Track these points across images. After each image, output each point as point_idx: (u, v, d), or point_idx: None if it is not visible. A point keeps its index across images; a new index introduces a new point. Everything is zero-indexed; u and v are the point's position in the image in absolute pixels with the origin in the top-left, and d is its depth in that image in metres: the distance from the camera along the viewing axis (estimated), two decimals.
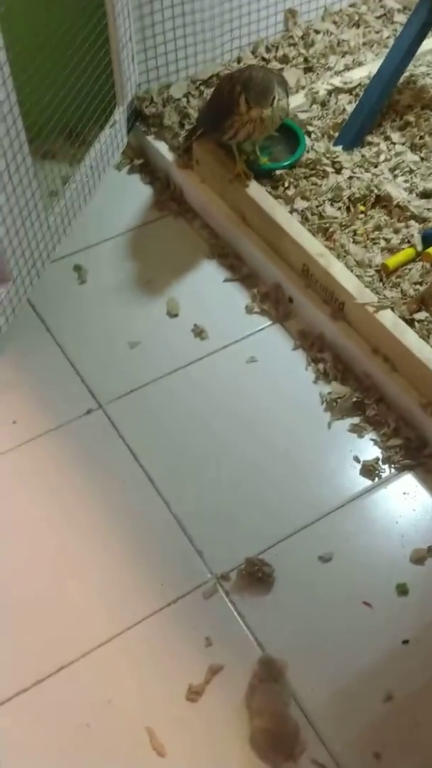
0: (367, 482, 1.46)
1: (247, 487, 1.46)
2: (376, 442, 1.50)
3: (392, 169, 1.77)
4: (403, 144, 1.82)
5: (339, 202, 1.71)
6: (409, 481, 1.47)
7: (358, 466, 1.47)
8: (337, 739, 1.18)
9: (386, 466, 1.47)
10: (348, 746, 1.18)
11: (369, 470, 1.46)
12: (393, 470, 1.47)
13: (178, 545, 1.38)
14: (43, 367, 1.62)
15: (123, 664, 1.25)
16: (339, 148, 1.78)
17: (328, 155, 1.77)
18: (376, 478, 1.45)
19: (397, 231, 1.66)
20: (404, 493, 1.45)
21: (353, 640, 1.28)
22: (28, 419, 1.54)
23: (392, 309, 1.52)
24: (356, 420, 1.54)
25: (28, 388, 1.59)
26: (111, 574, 1.35)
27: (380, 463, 1.47)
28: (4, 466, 1.48)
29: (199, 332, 1.66)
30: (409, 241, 1.64)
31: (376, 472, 1.46)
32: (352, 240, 1.65)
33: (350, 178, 1.74)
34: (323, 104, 1.90)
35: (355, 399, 1.55)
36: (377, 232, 1.66)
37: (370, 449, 1.50)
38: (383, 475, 1.46)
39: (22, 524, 1.41)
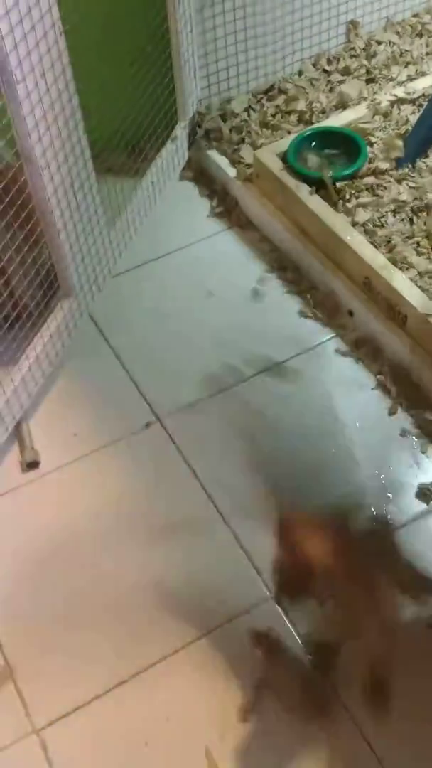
0: (429, 503, 1.41)
1: (309, 499, 1.43)
2: None
3: None
4: None
5: (401, 212, 1.68)
6: None
7: (416, 488, 1.43)
8: None
9: None
10: None
11: (425, 494, 1.42)
12: None
13: (236, 563, 1.36)
14: (103, 381, 1.62)
15: (181, 680, 1.24)
16: (405, 151, 1.75)
17: (390, 165, 1.74)
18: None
19: None
20: None
21: None
22: (88, 432, 1.55)
23: None
24: (421, 436, 1.49)
25: (88, 402, 1.60)
26: (173, 592, 1.33)
27: None
28: (63, 479, 1.49)
29: (257, 348, 1.65)
30: None
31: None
32: (415, 252, 1.61)
33: (412, 188, 1.71)
34: (386, 115, 1.88)
35: (418, 415, 1.51)
36: None
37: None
38: None
39: (80, 538, 1.41)
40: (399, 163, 1.76)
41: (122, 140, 1.72)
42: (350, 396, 1.57)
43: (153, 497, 1.45)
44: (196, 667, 1.25)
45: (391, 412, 1.53)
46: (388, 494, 1.43)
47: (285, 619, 1.29)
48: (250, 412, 1.56)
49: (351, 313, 1.65)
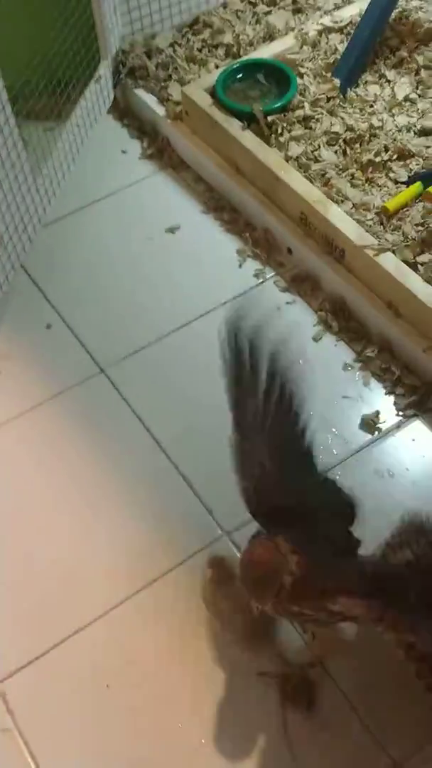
0: (374, 433, 1.44)
1: None
2: (381, 392, 1.48)
3: (389, 108, 1.72)
4: (399, 81, 1.76)
5: (335, 145, 1.67)
6: (417, 427, 1.45)
7: (360, 419, 1.45)
8: None
9: (391, 416, 1.45)
10: None
11: (369, 424, 1.45)
12: (401, 418, 1.45)
13: (187, 504, 1.37)
14: (41, 334, 1.60)
15: (138, 624, 1.26)
16: (337, 81, 1.73)
17: (321, 96, 1.72)
18: (376, 432, 1.44)
19: (396, 171, 1.62)
20: (413, 440, 1.43)
21: None
22: (29, 387, 1.53)
23: (394, 252, 1.49)
24: (361, 369, 1.52)
25: (28, 356, 1.57)
26: (121, 536, 1.34)
27: (380, 416, 1.45)
28: (9, 435, 1.47)
29: (196, 291, 1.63)
30: (408, 182, 1.59)
31: (376, 425, 1.44)
32: (349, 184, 1.61)
33: (345, 119, 1.70)
34: (314, 45, 1.84)
35: (359, 349, 1.53)
36: (375, 174, 1.61)
37: (376, 399, 1.48)
38: (385, 427, 1.44)
39: (30, 492, 1.40)
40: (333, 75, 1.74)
41: (42, 82, 1.65)
42: (293, 333, 1.57)
43: (100, 448, 1.45)
44: (152, 610, 1.27)
45: (334, 347, 1.55)
46: (333, 429, 1.45)
47: (238, 554, 1.32)
48: (195, 356, 1.56)
49: (290, 251, 1.65)
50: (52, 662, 1.22)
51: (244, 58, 1.81)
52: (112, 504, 1.38)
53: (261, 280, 1.65)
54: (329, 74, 1.77)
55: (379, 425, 1.45)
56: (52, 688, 1.20)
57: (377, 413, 1.46)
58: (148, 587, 1.29)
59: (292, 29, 1.89)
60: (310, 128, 1.69)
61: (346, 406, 1.48)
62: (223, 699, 1.18)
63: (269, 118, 1.69)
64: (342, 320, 1.57)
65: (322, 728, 1.15)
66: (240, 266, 1.67)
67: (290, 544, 1.01)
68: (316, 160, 1.64)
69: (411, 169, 1.62)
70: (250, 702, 1.18)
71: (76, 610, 1.27)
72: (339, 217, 1.54)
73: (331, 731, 1.15)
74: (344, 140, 1.67)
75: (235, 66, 1.78)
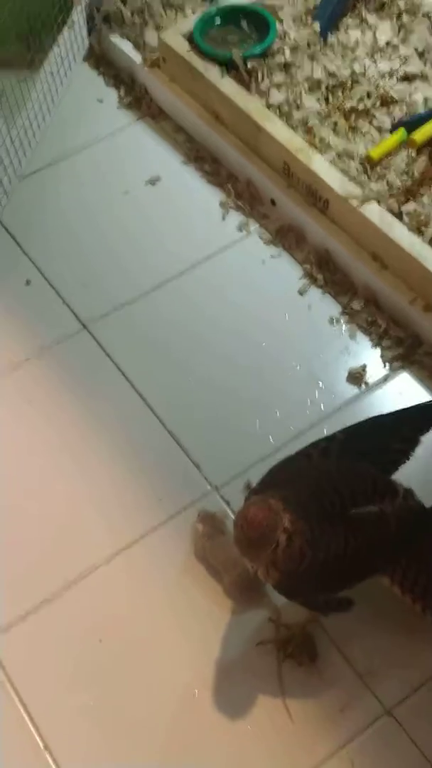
0: (360, 386, 1.45)
1: (241, 394, 1.45)
2: (367, 345, 1.48)
3: (370, 54, 1.69)
4: (381, 26, 1.73)
5: (317, 92, 1.64)
6: (404, 380, 1.46)
7: (347, 372, 1.46)
8: None
9: (378, 370, 1.45)
10: None
11: (356, 377, 1.45)
12: (388, 370, 1.46)
13: (175, 461, 1.37)
14: (21, 290, 1.57)
15: (129, 579, 1.27)
16: (317, 26, 1.69)
17: (301, 42, 1.68)
18: (363, 385, 1.44)
19: (379, 119, 1.59)
20: (400, 393, 1.44)
21: None
22: (10, 346, 1.50)
23: (378, 202, 1.47)
24: (347, 322, 1.51)
25: (7, 314, 1.55)
26: (110, 493, 1.35)
27: (367, 369, 1.45)
28: None
29: (179, 246, 1.61)
30: (392, 129, 1.57)
31: (363, 379, 1.45)
32: (333, 132, 1.58)
33: (327, 65, 1.66)
34: None
35: (345, 302, 1.52)
36: (359, 121, 1.59)
37: (362, 352, 1.48)
38: (371, 380, 1.45)
39: (16, 452, 1.40)
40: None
41: (13, 29, 1.60)
42: (278, 287, 1.57)
43: (85, 406, 1.44)
44: (141, 565, 1.28)
45: (320, 301, 1.54)
46: (320, 383, 1.46)
47: (228, 508, 1.33)
48: (180, 311, 1.55)
49: (273, 202, 1.63)
50: (44, 617, 1.23)
51: (222, 3, 1.76)
52: (99, 462, 1.38)
53: (245, 234, 1.63)
54: (309, 19, 1.72)
55: (365, 379, 1.45)
56: (44, 643, 1.21)
57: (364, 367, 1.46)
58: (138, 542, 1.30)
59: None
60: (291, 75, 1.66)
61: (333, 360, 1.48)
62: (216, 652, 1.20)
63: (249, 65, 1.65)
64: (327, 273, 1.56)
65: (316, 678, 1.17)
66: (223, 219, 1.65)
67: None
68: (298, 108, 1.61)
69: (394, 116, 1.60)
70: (245, 655, 1.20)
71: (67, 567, 1.27)
72: (322, 167, 1.52)
73: (324, 680, 1.17)
74: (326, 87, 1.64)
75: (213, 11, 1.73)
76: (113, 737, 1.14)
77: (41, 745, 1.13)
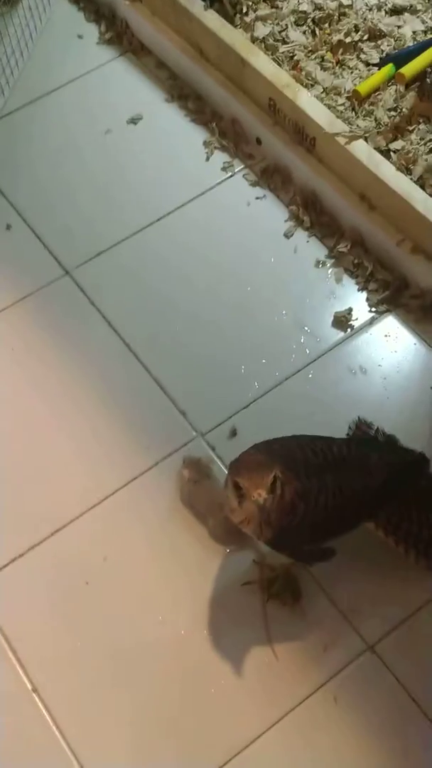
0: (346, 330, 1.44)
1: (226, 340, 1.44)
2: (354, 288, 1.47)
3: None
4: None
5: (303, 25, 1.59)
6: (390, 323, 1.45)
7: (333, 317, 1.44)
8: None
9: (363, 313, 1.44)
10: None
11: (341, 321, 1.44)
12: (374, 314, 1.45)
13: (161, 408, 1.37)
14: (2, 236, 1.54)
15: (115, 523, 1.28)
16: None
17: None
18: (349, 329, 1.43)
19: (367, 53, 1.55)
20: (386, 336, 1.43)
21: None
22: None
23: (366, 140, 1.44)
24: (334, 266, 1.50)
25: None
26: (94, 441, 1.35)
27: (352, 313, 1.44)
28: None
29: (163, 187, 1.58)
30: (380, 64, 1.53)
31: (349, 322, 1.44)
32: (319, 66, 1.54)
33: None
34: None
35: (331, 244, 1.50)
36: (346, 55, 1.54)
37: (348, 296, 1.47)
38: (357, 324, 1.44)
39: (3, 398, 1.39)
40: None
41: None
42: (263, 230, 1.54)
43: (68, 354, 1.43)
44: (127, 510, 1.29)
45: (306, 243, 1.52)
46: (305, 327, 1.45)
47: (213, 454, 1.33)
48: (163, 255, 1.52)
49: (259, 141, 1.59)
50: (30, 562, 1.24)
51: None
52: (82, 409, 1.38)
53: (229, 174, 1.59)
54: None
55: (351, 322, 1.44)
56: (31, 588, 1.23)
57: (350, 310, 1.45)
58: (124, 488, 1.30)
59: None
60: (277, 7, 1.60)
61: (318, 304, 1.47)
62: (202, 594, 1.22)
63: None
64: (314, 214, 1.53)
65: (300, 618, 1.19)
66: (207, 159, 1.61)
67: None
68: (284, 42, 1.57)
69: (382, 50, 1.56)
70: (230, 596, 1.22)
71: (52, 512, 1.28)
72: (309, 103, 1.48)
73: (308, 620, 1.19)
74: (313, 20, 1.59)
75: None
76: (100, 678, 1.17)
77: (29, 687, 1.16)
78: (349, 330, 1.44)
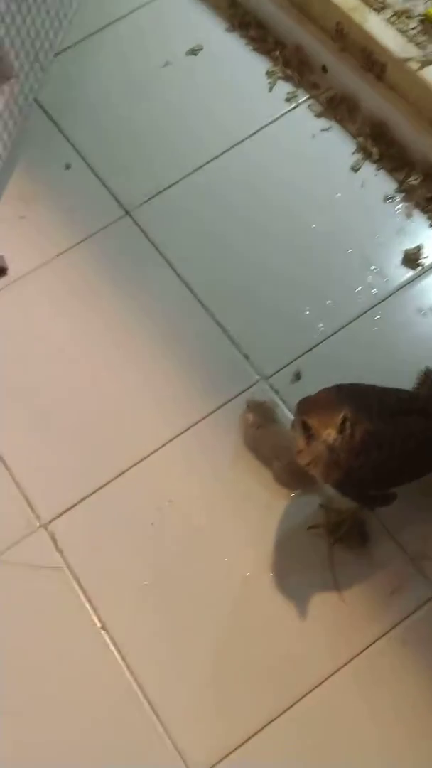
0: (416, 268, 1.39)
1: (290, 280, 1.41)
2: (425, 224, 1.42)
3: None
4: None
5: None
6: None
7: (403, 254, 1.39)
8: None
9: None
10: None
11: (412, 259, 1.39)
12: None
13: (223, 351, 1.36)
14: (60, 175, 1.53)
15: (180, 465, 1.28)
16: None
17: None
18: (419, 267, 1.38)
19: None
20: None
21: None
22: (53, 233, 1.48)
23: None
24: (403, 200, 1.44)
25: (48, 200, 1.51)
26: (158, 383, 1.35)
27: (423, 251, 1.39)
28: (34, 284, 1.44)
29: (224, 120, 1.53)
30: None
31: (419, 261, 1.39)
32: None
33: None
34: None
35: (401, 177, 1.44)
36: None
37: (419, 232, 1.41)
38: (428, 262, 1.39)
39: (63, 342, 1.39)
40: None
41: None
42: (329, 163, 1.49)
43: (130, 297, 1.42)
44: (192, 453, 1.29)
45: (374, 177, 1.46)
46: (373, 266, 1.40)
47: (277, 397, 1.32)
48: (226, 193, 1.49)
49: (325, 69, 1.53)
50: (97, 503, 1.26)
51: None
52: (146, 352, 1.37)
53: (293, 105, 1.54)
54: None
55: (421, 260, 1.39)
56: (98, 527, 1.25)
57: (420, 248, 1.40)
58: (188, 431, 1.30)
59: None
60: None
61: (387, 241, 1.42)
62: (268, 537, 1.22)
63: None
64: (383, 146, 1.47)
65: (367, 562, 1.19)
66: (270, 90, 1.55)
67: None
68: None
69: None
70: (296, 539, 1.22)
71: (119, 454, 1.29)
72: (378, 27, 1.41)
73: (375, 564, 1.19)
74: None
75: None
76: (168, 617, 1.19)
77: (98, 625, 1.19)
78: (419, 268, 1.39)
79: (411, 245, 1.41)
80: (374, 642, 1.15)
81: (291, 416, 1.29)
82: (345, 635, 1.15)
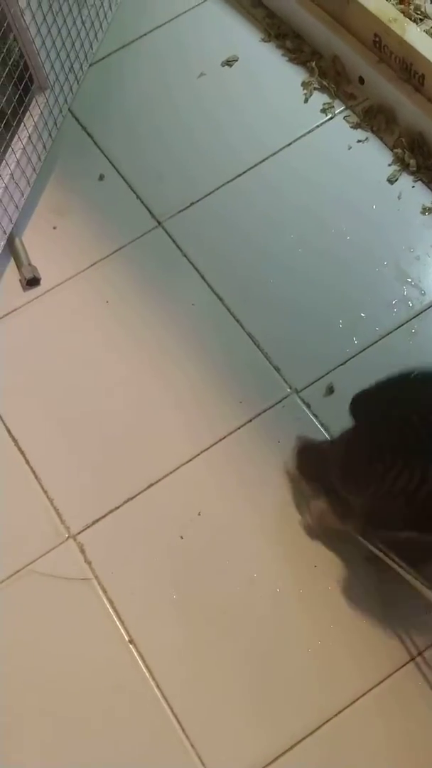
0: None
1: (323, 291, 1.42)
2: None
3: None
4: None
5: None
6: None
7: None
8: None
9: None
10: None
11: None
12: None
13: (254, 363, 1.38)
14: (94, 186, 1.57)
15: (209, 478, 1.30)
16: None
17: None
18: None
19: None
20: None
21: None
22: (85, 244, 1.51)
23: None
24: None
25: (81, 212, 1.55)
26: (188, 395, 1.37)
27: None
28: (67, 295, 1.48)
29: (258, 131, 1.56)
30: None
31: None
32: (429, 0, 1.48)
33: None
34: None
35: None
36: None
37: None
38: None
39: (93, 353, 1.42)
40: None
41: None
42: (365, 175, 1.51)
43: (162, 307, 1.45)
44: (222, 465, 1.31)
45: (411, 189, 1.48)
46: (409, 279, 1.42)
47: (308, 411, 1.33)
48: (258, 204, 1.51)
49: (362, 80, 1.55)
50: (126, 515, 1.29)
51: None
52: (177, 364, 1.40)
53: (329, 116, 1.56)
54: None
55: None
56: (127, 539, 1.27)
57: None
58: (217, 444, 1.32)
59: None
60: None
61: (424, 254, 1.43)
62: (297, 553, 1.23)
63: None
64: (421, 157, 1.49)
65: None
66: (306, 101, 1.58)
67: None
68: None
69: None
70: (327, 557, 1.23)
71: (149, 466, 1.32)
72: (418, 38, 1.42)
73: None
74: None
75: None
76: (195, 632, 1.20)
77: (126, 638, 1.21)
78: None
79: None
80: (404, 665, 1.15)
81: (323, 431, 1.30)
82: (375, 656, 1.16)
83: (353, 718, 1.13)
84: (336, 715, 1.13)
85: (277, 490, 1.28)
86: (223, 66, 1.64)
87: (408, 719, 1.13)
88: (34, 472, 1.33)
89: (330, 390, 1.34)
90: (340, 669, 1.16)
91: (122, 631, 1.21)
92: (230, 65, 1.64)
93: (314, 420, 1.32)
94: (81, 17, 1.55)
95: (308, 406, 1.33)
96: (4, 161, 1.45)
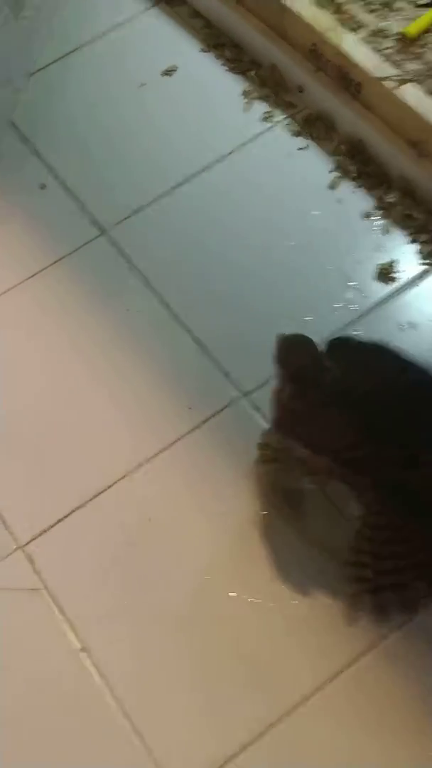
0: (389, 283, 1.45)
1: (269, 296, 1.46)
2: (402, 241, 1.48)
3: None
4: None
5: None
6: None
7: (380, 270, 1.46)
8: None
9: (413, 267, 1.45)
10: None
11: (386, 275, 1.45)
12: (426, 266, 1.46)
13: (203, 369, 1.40)
14: (35, 196, 1.59)
15: (159, 485, 1.32)
16: None
17: None
18: (395, 283, 1.44)
19: None
20: None
21: None
22: (26, 255, 1.53)
23: (416, 83, 1.45)
24: (382, 217, 1.51)
25: (21, 222, 1.56)
26: (135, 403, 1.39)
27: (401, 266, 1.45)
28: (7, 306, 1.48)
29: (202, 140, 1.61)
30: (429, 4, 1.53)
31: (397, 276, 1.45)
32: (364, 8, 1.54)
33: None
34: None
35: (379, 195, 1.52)
36: None
37: (397, 248, 1.48)
38: (406, 277, 1.45)
39: (35, 364, 1.43)
40: None
41: None
42: (307, 181, 1.56)
43: (106, 317, 1.46)
44: (172, 471, 1.33)
45: (352, 194, 1.53)
46: (352, 282, 1.46)
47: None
48: (203, 211, 1.55)
49: (300, 89, 1.61)
50: (75, 523, 1.29)
51: None
52: (121, 372, 1.41)
53: (270, 125, 1.61)
54: None
55: (400, 275, 1.46)
56: (77, 548, 1.28)
57: (398, 263, 1.46)
58: (166, 450, 1.34)
59: None
60: None
61: (365, 258, 1.48)
62: (249, 553, 1.26)
63: None
64: (360, 164, 1.54)
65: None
66: (246, 110, 1.63)
67: None
68: None
69: None
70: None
71: (97, 474, 1.33)
72: (354, 47, 1.48)
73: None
74: None
75: None
76: (150, 638, 1.21)
77: (78, 647, 1.21)
78: (394, 284, 1.45)
79: (389, 261, 1.47)
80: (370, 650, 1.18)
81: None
82: (337, 644, 1.18)
83: (320, 705, 1.15)
84: (288, 713, 1.16)
85: (228, 494, 1.30)
86: (163, 75, 1.68)
87: (358, 714, 1.15)
88: None
89: None
90: (292, 667, 1.18)
91: (74, 639, 1.21)
92: (170, 75, 1.68)
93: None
94: (18, 27, 1.57)
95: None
96: None
